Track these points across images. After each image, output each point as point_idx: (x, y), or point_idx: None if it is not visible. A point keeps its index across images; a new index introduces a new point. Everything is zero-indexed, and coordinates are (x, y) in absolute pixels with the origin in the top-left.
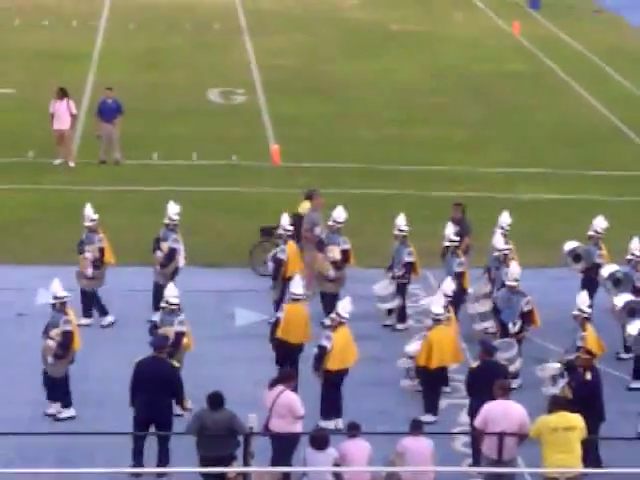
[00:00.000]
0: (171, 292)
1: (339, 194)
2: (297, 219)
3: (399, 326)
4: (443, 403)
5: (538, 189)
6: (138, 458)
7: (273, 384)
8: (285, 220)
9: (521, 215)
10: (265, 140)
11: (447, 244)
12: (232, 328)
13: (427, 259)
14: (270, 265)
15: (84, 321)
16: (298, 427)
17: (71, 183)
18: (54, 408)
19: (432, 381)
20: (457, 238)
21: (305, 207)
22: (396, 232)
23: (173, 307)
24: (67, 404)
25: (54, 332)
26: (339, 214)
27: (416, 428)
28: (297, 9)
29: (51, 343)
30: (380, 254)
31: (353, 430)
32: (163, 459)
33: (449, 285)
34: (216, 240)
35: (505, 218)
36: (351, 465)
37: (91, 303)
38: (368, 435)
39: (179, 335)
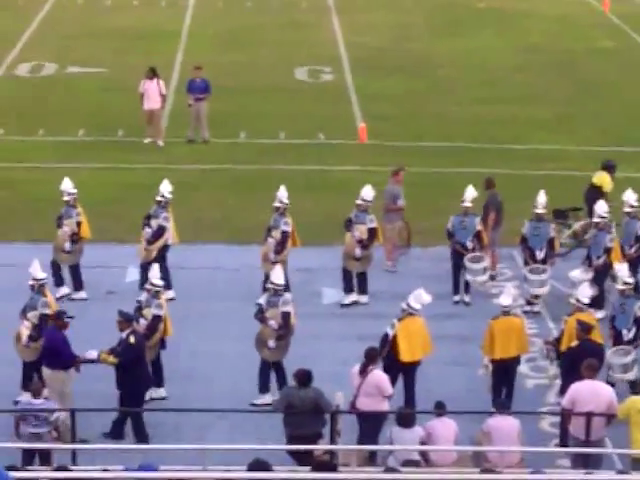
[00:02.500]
0: (155, 273)
1: (425, 173)
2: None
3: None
4: (530, 383)
5: (626, 168)
6: None
7: (363, 369)
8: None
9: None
10: (352, 118)
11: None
12: (319, 306)
13: (512, 238)
14: None
15: (76, 295)
16: (385, 406)
17: (160, 162)
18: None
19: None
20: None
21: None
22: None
23: (157, 289)
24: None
25: (31, 314)
26: (367, 193)
27: (502, 407)
28: None
29: (27, 324)
30: None
31: (440, 409)
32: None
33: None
34: (302, 218)
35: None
36: (437, 444)
37: (79, 276)
38: (454, 414)
39: (156, 318)
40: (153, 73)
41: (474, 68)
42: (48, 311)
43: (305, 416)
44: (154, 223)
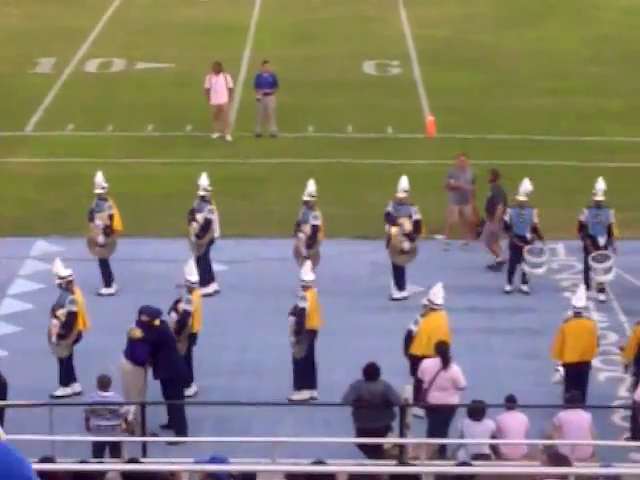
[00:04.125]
0: (190, 269)
1: (493, 165)
2: None
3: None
4: (602, 376)
5: None
6: None
7: (445, 363)
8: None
9: None
10: (420, 112)
11: None
12: (387, 299)
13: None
14: None
15: (105, 291)
16: (456, 399)
17: (228, 156)
18: (61, 391)
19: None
20: None
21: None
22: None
23: (191, 285)
24: (67, 382)
25: (60, 312)
26: (404, 184)
27: (574, 401)
28: None
29: (55, 322)
30: (543, 225)
31: (510, 402)
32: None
33: None
34: (369, 212)
35: None
36: (508, 437)
37: (109, 271)
38: (525, 408)
39: (185, 314)
40: (219, 68)
41: (543, 60)
42: (75, 308)
43: (374, 409)
44: (200, 217)
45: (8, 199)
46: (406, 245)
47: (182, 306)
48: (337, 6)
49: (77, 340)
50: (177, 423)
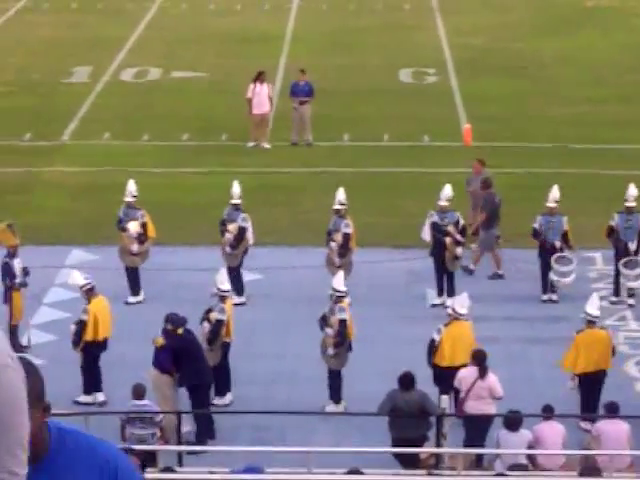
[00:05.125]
0: (222, 278)
1: (530, 173)
2: None
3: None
4: (639, 386)
5: None
6: None
7: (482, 372)
8: None
9: None
10: (456, 120)
11: None
12: (423, 309)
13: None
14: None
15: (133, 299)
16: (493, 408)
17: (263, 165)
18: (90, 397)
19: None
20: None
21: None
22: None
23: (223, 294)
24: (88, 391)
25: (76, 320)
26: (448, 193)
27: (612, 411)
28: None
29: (71, 329)
30: (581, 234)
31: (547, 412)
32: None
33: None
34: (406, 221)
35: None
36: (545, 447)
37: (137, 280)
38: (562, 417)
39: (217, 323)
40: (263, 77)
41: (580, 68)
42: (85, 317)
43: (410, 419)
44: (232, 227)
45: (44, 208)
46: (458, 250)
47: (215, 315)
48: (373, 15)
49: (92, 348)
50: (199, 431)
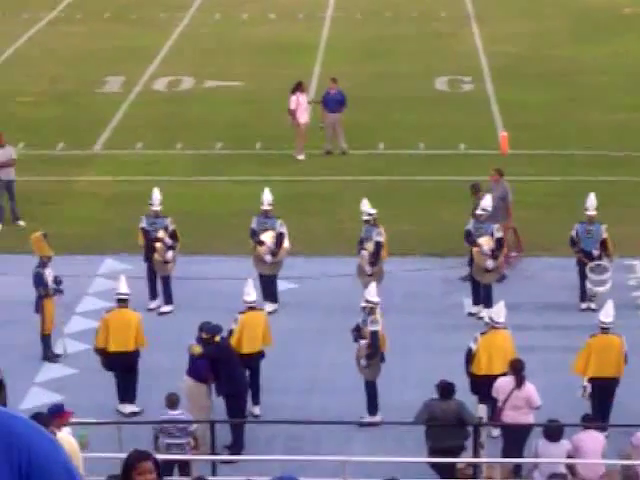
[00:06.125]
0: (249, 289)
1: (569, 181)
2: None
3: None
4: None
5: None
6: None
7: (520, 382)
8: None
9: None
10: (493, 128)
11: None
12: (460, 317)
13: None
14: None
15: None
16: (531, 418)
17: (298, 174)
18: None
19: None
20: None
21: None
22: None
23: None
24: (121, 400)
25: None
26: (487, 203)
27: None
28: None
29: None
30: (620, 242)
31: (587, 422)
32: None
33: None
34: (441, 229)
35: None
36: (584, 457)
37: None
38: (602, 427)
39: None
40: (302, 87)
41: (619, 75)
42: (97, 324)
43: (448, 428)
44: (266, 236)
45: (77, 217)
46: (490, 263)
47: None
48: (408, 23)
49: (105, 357)
50: (234, 440)
